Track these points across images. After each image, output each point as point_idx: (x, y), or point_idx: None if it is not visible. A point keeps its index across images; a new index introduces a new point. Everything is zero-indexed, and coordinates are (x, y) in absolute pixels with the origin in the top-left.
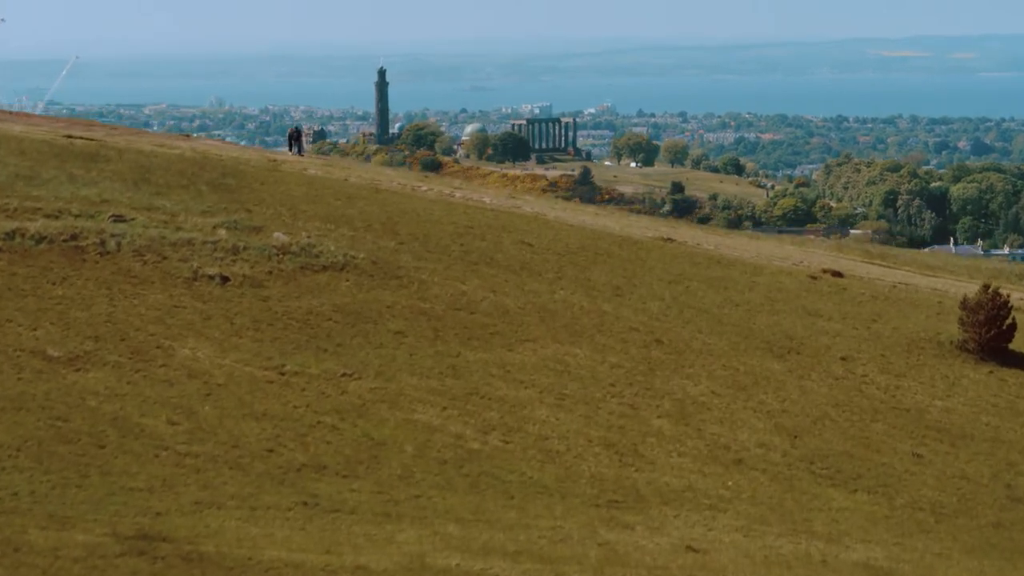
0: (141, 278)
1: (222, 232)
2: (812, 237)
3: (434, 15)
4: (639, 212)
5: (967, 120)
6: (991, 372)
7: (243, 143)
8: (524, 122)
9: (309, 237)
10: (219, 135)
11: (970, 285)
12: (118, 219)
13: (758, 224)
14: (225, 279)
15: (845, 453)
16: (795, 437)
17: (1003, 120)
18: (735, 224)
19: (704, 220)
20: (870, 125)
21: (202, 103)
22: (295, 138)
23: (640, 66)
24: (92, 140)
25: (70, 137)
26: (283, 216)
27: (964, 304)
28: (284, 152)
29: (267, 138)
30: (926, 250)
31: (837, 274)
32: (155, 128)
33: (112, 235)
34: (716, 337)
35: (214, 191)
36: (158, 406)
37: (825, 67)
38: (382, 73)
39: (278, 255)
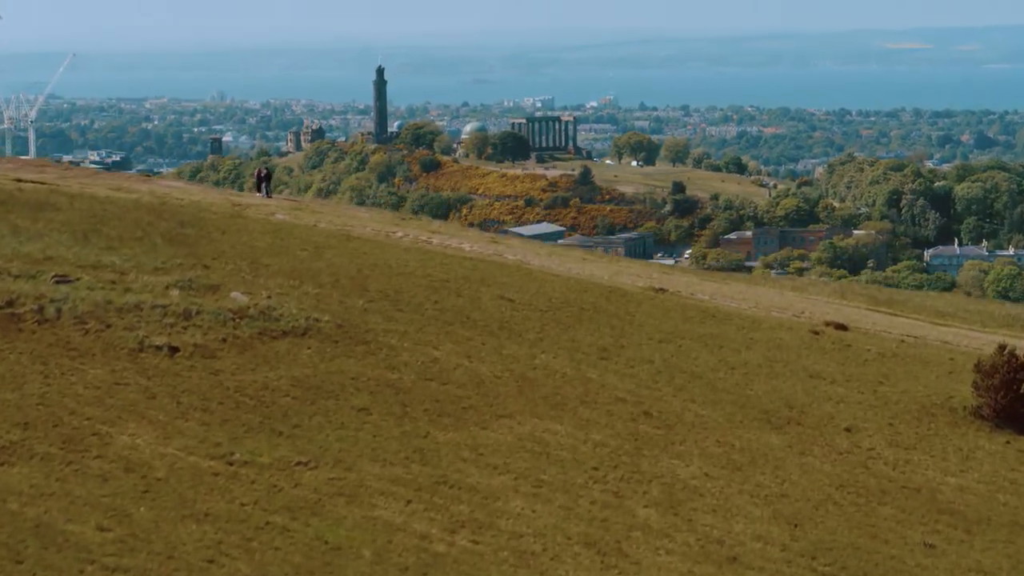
0: (81, 350)
1: (174, 293)
2: (813, 278)
3: (436, 6)
4: (640, 211)
5: (970, 113)
6: (1008, 442)
7: (244, 138)
8: (524, 120)
9: (270, 297)
10: (220, 130)
11: (982, 335)
12: (61, 280)
13: (760, 225)
14: (174, 350)
15: (850, 545)
16: (795, 527)
17: (1006, 113)
18: (736, 225)
19: (705, 221)
20: (873, 119)
21: (204, 96)
22: (264, 179)
23: (643, 58)
24: (43, 184)
25: (19, 181)
26: (243, 272)
27: (978, 367)
28: (253, 194)
29: (268, 132)
30: (930, 251)
31: (840, 327)
32: (156, 122)
33: (52, 300)
34: (710, 407)
35: (170, 244)
36: (88, 508)
37: (828, 59)
38: (380, 71)
39: (234, 319)
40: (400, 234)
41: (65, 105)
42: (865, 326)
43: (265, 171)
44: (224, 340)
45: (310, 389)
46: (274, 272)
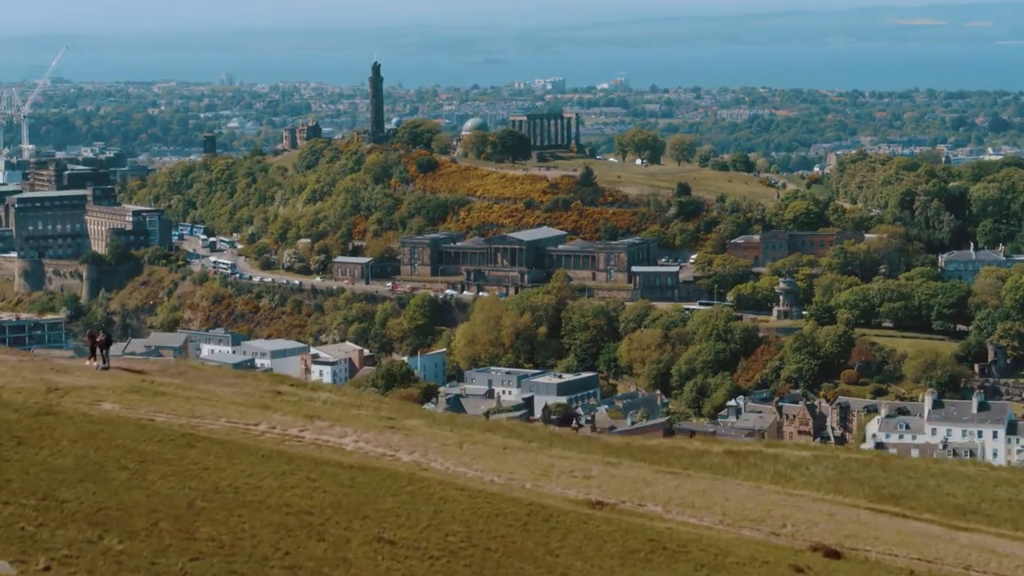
0: None
1: None
2: (806, 447)
3: None
4: (644, 214)
5: (984, 94)
6: None
7: (250, 124)
8: (525, 118)
9: (48, 568)
10: (226, 116)
11: (1015, 548)
12: None
13: (768, 228)
14: None
15: None
16: None
17: (1021, 94)
18: (744, 228)
19: (711, 224)
20: (886, 100)
21: (212, 79)
22: (103, 344)
23: (654, 36)
24: None
25: None
26: (26, 518)
27: None
28: (87, 362)
29: (275, 118)
30: (944, 256)
31: (832, 554)
32: (162, 107)
33: None
34: None
35: None
36: None
37: (840, 36)
38: (376, 68)
39: None
40: (263, 427)
41: (72, 90)
42: (865, 545)
43: (103, 336)
44: None
45: None
46: (70, 514)
